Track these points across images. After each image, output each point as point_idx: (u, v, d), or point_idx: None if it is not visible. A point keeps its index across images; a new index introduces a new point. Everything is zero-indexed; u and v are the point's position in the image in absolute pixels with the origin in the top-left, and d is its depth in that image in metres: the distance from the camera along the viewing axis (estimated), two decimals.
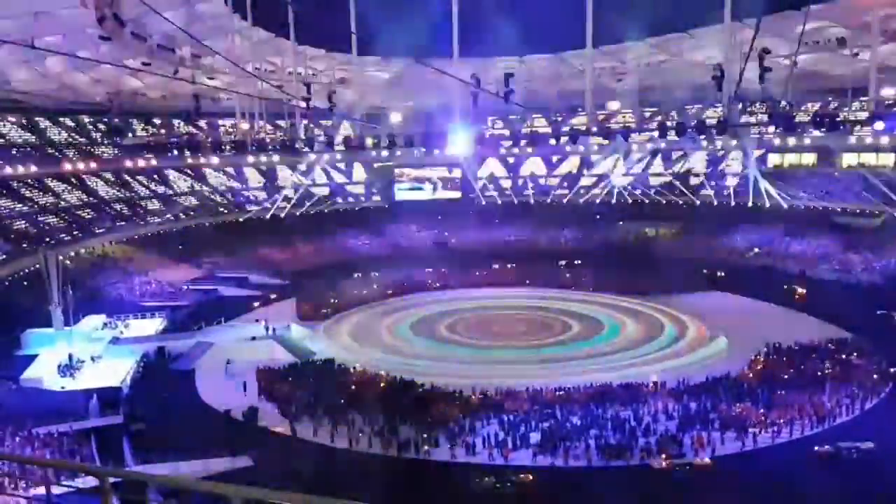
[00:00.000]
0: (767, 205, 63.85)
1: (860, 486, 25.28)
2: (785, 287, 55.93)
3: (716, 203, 72.26)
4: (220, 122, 65.81)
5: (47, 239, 53.54)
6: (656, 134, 32.65)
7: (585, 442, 30.27)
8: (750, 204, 66.29)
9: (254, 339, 45.49)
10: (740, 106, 28.69)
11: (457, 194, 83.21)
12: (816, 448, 28.62)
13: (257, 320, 49.66)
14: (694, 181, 78.54)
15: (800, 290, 55.08)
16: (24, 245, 51.53)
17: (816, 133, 37.95)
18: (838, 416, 32.51)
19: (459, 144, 29.76)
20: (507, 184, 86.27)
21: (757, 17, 24.10)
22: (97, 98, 58.15)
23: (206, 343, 44.38)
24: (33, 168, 60.44)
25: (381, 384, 38.49)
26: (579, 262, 68.94)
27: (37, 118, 66.04)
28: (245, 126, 40.70)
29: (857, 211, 63.34)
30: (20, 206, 57.79)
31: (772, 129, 30.83)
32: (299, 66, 45.87)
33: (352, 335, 50.79)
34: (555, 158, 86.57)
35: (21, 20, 33.76)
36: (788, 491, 25.12)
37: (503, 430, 31.82)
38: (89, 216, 62.76)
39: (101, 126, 71.37)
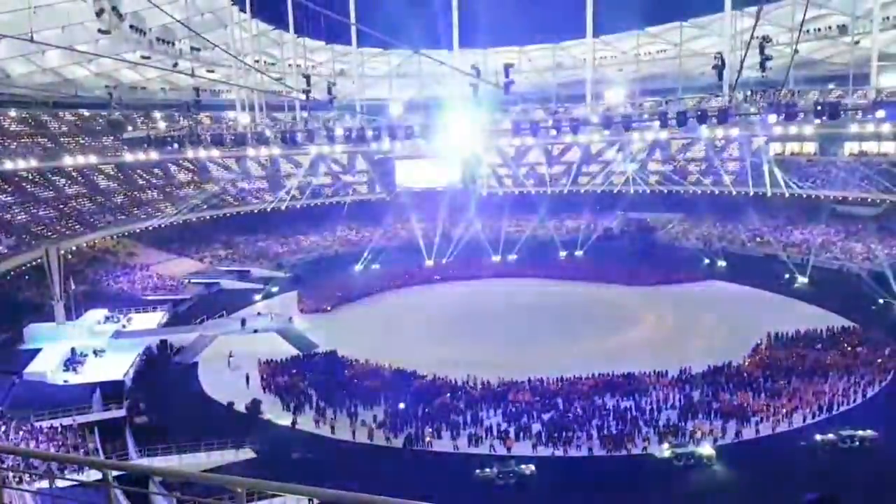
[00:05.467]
0: (769, 193, 63.83)
1: (861, 474, 25.35)
2: (786, 276, 55.92)
3: (717, 192, 72.18)
4: (221, 115, 65.76)
5: (49, 233, 53.60)
6: (657, 124, 32.56)
7: (587, 432, 30.36)
8: (751, 192, 66.30)
9: (256, 332, 45.55)
10: (741, 94, 28.64)
11: (456, 178, 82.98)
12: (818, 437, 28.66)
13: (258, 313, 49.99)
14: (695, 170, 78.53)
15: (801, 278, 55.02)
16: (26, 239, 51.58)
17: (817, 121, 37.79)
18: (840, 404, 32.54)
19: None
20: (507, 174, 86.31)
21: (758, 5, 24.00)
22: (96, 92, 58.05)
23: (207, 336, 44.43)
24: (34, 162, 60.47)
25: (384, 376, 38.53)
26: (581, 252, 68.84)
27: (36, 112, 65.96)
28: (245, 119, 40.63)
29: (859, 199, 63.23)
30: (21, 200, 57.83)
31: (773, 117, 30.70)
32: (299, 58, 45.71)
33: (353, 327, 50.79)
34: (556, 150, 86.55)
35: (20, 14, 33.67)
36: (790, 479, 25.19)
37: (505, 420, 31.91)
38: (90, 210, 62.80)
39: (101, 120, 71.30)
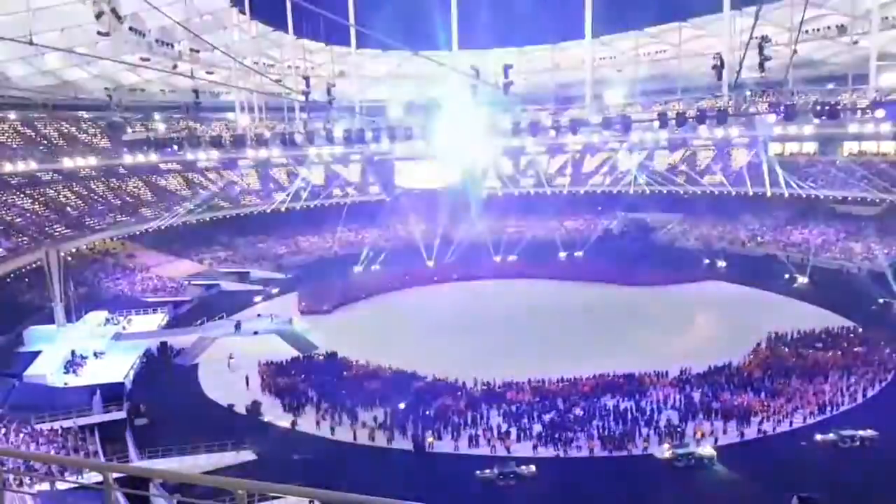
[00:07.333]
0: (769, 193, 63.83)
1: (862, 474, 25.35)
2: (786, 276, 55.94)
3: (717, 192, 72.17)
4: (221, 116, 65.69)
5: (48, 236, 53.59)
6: (656, 124, 32.61)
7: (588, 432, 30.36)
8: (751, 192, 66.30)
9: (256, 333, 45.59)
10: (740, 95, 28.68)
11: (456, 179, 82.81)
12: (818, 436, 28.67)
13: (258, 315, 50.06)
14: (695, 170, 78.51)
15: (801, 278, 55.03)
16: (26, 242, 51.56)
17: (816, 121, 37.86)
18: (840, 404, 32.54)
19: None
20: (507, 174, 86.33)
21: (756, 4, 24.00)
22: (96, 94, 58.02)
23: (208, 338, 44.44)
24: (33, 165, 60.43)
25: (384, 377, 38.53)
26: (581, 252, 68.80)
27: (36, 115, 65.90)
28: (245, 121, 40.65)
29: (858, 199, 63.23)
30: (21, 202, 57.82)
31: (772, 117, 30.74)
32: (298, 59, 45.74)
33: (353, 328, 50.78)
34: (556, 151, 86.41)
35: (19, 16, 33.67)
36: (790, 479, 25.18)
37: (506, 421, 31.90)
38: (90, 212, 62.77)
39: (100, 122, 71.26)
